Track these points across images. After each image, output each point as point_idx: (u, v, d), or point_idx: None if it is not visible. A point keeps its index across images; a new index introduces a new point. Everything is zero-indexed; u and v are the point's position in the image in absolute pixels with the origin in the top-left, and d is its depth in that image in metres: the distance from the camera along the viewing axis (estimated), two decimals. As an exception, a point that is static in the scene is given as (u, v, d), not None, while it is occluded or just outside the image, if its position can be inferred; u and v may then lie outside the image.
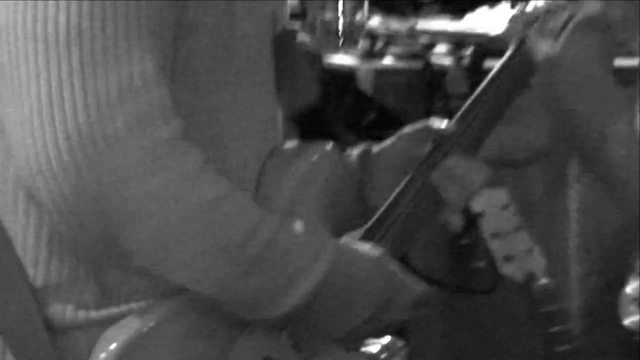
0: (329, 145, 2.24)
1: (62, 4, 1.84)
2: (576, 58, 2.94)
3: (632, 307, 3.22)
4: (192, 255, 1.93)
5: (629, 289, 3.20)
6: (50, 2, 1.85)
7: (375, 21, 4.36)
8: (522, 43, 2.37)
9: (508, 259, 3.31)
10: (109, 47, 1.88)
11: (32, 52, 1.86)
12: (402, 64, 4.33)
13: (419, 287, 2.09)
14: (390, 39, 4.28)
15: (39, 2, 1.84)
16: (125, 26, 1.92)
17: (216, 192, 1.92)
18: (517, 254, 3.35)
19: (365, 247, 2.16)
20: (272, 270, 1.98)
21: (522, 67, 2.38)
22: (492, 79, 2.31)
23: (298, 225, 2.07)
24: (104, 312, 1.94)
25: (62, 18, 1.85)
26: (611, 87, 3.10)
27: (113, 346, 1.92)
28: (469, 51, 3.55)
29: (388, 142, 2.33)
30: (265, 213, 2.02)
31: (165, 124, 1.85)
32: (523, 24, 2.44)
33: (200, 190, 1.92)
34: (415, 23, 4.25)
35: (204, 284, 1.98)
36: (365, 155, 2.36)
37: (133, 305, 1.94)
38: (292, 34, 2.78)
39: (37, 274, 1.96)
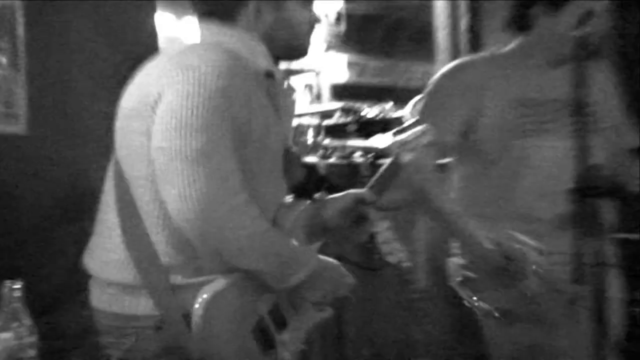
0: (308, 202, 2.91)
1: (192, 140, 2.36)
2: (419, 162, 3.25)
3: (454, 271, 3.62)
4: (253, 257, 2.48)
5: (450, 262, 3.62)
6: (183, 138, 2.35)
7: (327, 140, 4.56)
8: (397, 155, 2.99)
9: (389, 253, 3.93)
10: (215, 160, 2.39)
11: (178, 164, 2.37)
12: (339, 161, 4.59)
13: (350, 279, 2.77)
14: (334, 149, 4.49)
15: (181, 136, 2.35)
16: (222, 149, 2.42)
17: (265, 227, 2.51)
18: (393, 251, 3.92)
19: (329, 259, 2.76)
20: (287, 267, 2.56)
21: (396, 166, 3.00)
22: (383, 171, 2.99)
23: (300, 246, 2.71)
24: (197, 280, 2.49)
25: (190, 146, 2.38)
26: (434, 173, 3.54)
27: (205, 295, 2.45)
28: (371, 156, 3.70)
29: (338, 195, 2.98)
30: (285, 237, 2.67)
31: (242, 194, 2.42)
32: (398, 145, 3.03)
33: (258, 227, 2.48)
34: (345, 142, 4.38)
35: (257, 270, 2.51)
36: (321, 200, 2.96)
37: (211, 276, 2.49)
38: (290, 147, 3.03)
39: (165, 259, 2.49)
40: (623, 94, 3.74)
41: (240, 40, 2.65)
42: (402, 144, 3.09)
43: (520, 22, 3.58)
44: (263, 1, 2.67)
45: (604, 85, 3.61)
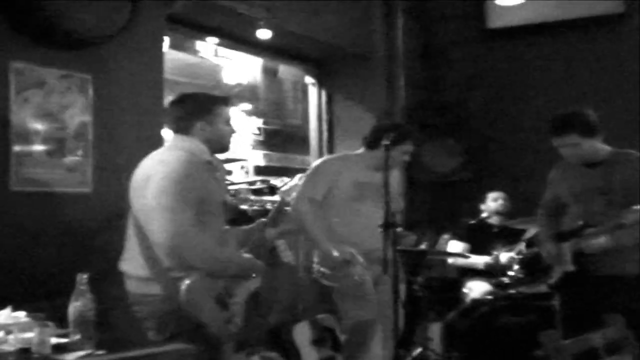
0: (241, 229, 2.94)
1: (164, 200, 2.42)
2: (297, 207, 3.46)
3: (316, 267, 3.64)
4: (208, 262, 2.49)
5: (314, 264, 3.66)
6: (160, 199, 2.43)
7: (252, 197, 4.19)
8: (282, 197, 3.09)
9: (286, 255, 3.87)
10: (177, 211, 2.42)
11: (158, 213, 2.43)
12: (259, 208, 4.14)
13: (262, 265, 2.73)
14: (256, 201, 4.14)
15: (159, 197, 2.44)
16: (181, 205, 2.43)
17: (211, 245, 2.53)
18: (286, 256, 3.87)
19: (249, 256, 2.72)
20: (228, 265, 2.59)
21: (282, 203, 3.06)
22: (275, 207, 3.06)
23: (235, 252, 2.72)
24: (180, 274, 2.45)
25: (163, 203, 2.42)
26: (308, 215, 3.54)
27: (187, 281, 2.43)
28: (276, 204, 3.15)
29: (253, 224, 2.97)
30: (226, 249, 2.67)
31: (194, 229, 2.45)
32: (282, 192, 3.12)
33: (207, 246, 2.51)
34: (262, 197, 4.21)
35: (214, 270, 2.50)
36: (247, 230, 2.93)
37: (185, 273, 2.45)
38: (228, 200, 3.09)
39: (165, 263, 2.46)
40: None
41: (193, 144, 2.64)
42: (284, 191, 3.15)
43: (371, 143, 3.67)
44: (205, 123, 2.66)
45: (396, 178, 3.70)
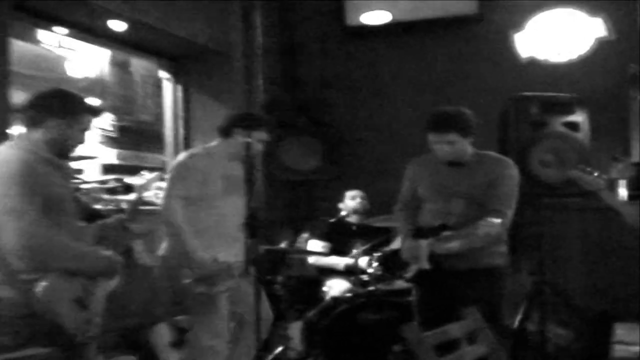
0: (97, 224, 2.93)
1: (9, 202, 2.43)
2: (168, 205, 3.47)
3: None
4: (64, 260, 2.53)
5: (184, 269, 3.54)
6: (3, 202, 2.44)
7: (105, 196, 4.08)
8: (139, 193, 3.18)
9: (143, 257, 3.84)
10: (25, 212, 2.44)
11: (5, 217, 2.44)
12: (113, 207, 3.96)
13: (120, 260, 2.79)
14: (110, 201, 4.05)
15: (3, 201, 2.45)
16: (27, 206, 2.46)
17: (67, 241, 2.57)
18: (143, 257, 3.84)
19: (108, 253, 2.76)
20: (85, 262, 2.62)
21: (139, 199, 3.14)
22: (132, 202, 3.14)
23: (92, 249, 2.74)
24: (32, 277, 2.46)
25: (8, 206, 2.44)
26: (176, 212, 3.51)
27: (43, 283, 2.45)
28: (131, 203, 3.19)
29: (110, 220, 3.03)
30: (81, 246, 2.67)
31: (42, 228, 2.46)
32: (139, 188, 3.19)
33: (62, 241, 2.55)
34: (117, 197, 4.03)
35: (71, 267, 2.53)
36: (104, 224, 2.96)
37: (39, 275, 2.45)
38: (79, 198, 3.17)
39: (15, 266, 2.45)
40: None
41: (34, 142, 2.67)
42: (142, 186, 3.20)
43: (224, 132, 3.75)
44: (62, 122, 2.70)
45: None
